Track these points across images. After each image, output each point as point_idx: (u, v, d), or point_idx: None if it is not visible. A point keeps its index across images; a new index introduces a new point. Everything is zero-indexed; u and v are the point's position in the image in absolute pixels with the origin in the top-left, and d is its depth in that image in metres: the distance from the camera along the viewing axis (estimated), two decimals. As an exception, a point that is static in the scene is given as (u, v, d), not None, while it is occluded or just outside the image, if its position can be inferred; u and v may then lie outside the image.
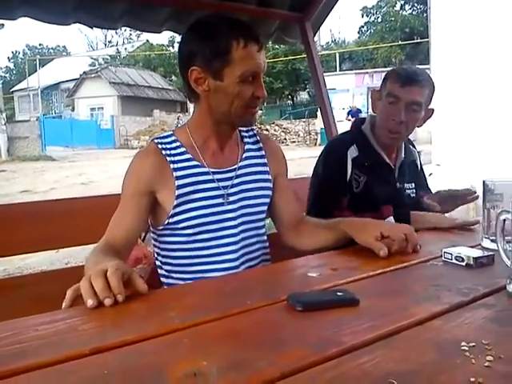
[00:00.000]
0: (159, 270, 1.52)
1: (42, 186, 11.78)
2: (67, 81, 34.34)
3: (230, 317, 0.88)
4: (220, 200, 1.42)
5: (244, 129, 1.56)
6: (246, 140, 1.56)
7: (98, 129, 27.99)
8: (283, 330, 0.84)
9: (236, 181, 1.46)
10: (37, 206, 1.94)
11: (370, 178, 1.80)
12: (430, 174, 2.13)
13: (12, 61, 57.61)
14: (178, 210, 1.39)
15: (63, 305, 0.96)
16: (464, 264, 1.17)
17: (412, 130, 1.80)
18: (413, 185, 1.94)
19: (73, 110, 33.39)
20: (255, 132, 1.60)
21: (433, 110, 1.83)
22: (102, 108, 31.24)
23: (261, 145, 1.58)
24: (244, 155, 1.52)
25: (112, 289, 0.94)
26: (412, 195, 1.92)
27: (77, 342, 0.79)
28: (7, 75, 54.69)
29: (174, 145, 1.44)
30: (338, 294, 0.96)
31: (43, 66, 39.05)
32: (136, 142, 25.42)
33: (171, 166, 1.40)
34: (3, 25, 23.31)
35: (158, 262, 1.52)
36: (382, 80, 1.84)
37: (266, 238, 1.58)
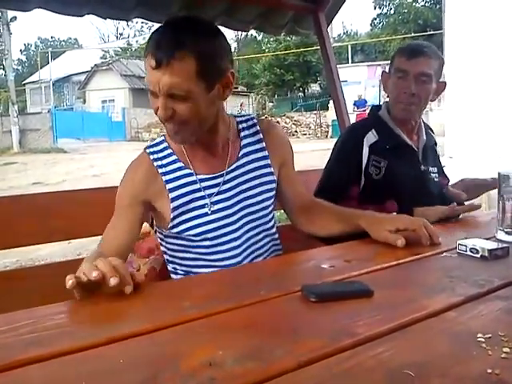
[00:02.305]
0: (168, 266, 1.52)
1: (53, 178, 11.85)
2: (79, 73, 34.44)
3: (244, 307, 0.89)
4: (205, 210, 1.38)
5: (243, 119, 1.52)
6: (243, 134, 1.49)
7: (109, 121, 28.07)
8: (298, 320, 0.84)
9: (224, 186, 1.40)
10: (49, 196, 1.95)
11: (393, 161, 1.78)
12: (444, 167, 2.11)
13: (24, 53, 58.02)
14: (176, 221, 1.37)
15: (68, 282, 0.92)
16: (479, 256, 1.16)
17: (425, 102, 1.79)
18: (435, 169, 1.92)
19: (84, 102, 33.51)
20: (255, 121, 1.53)
21: (445, 83, 1.83)
22: (113, 100, 31.30)
23: (261, 136, 1.50)
24: (241, 152, 1.46)
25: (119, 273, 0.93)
26: (436, 179, 1.90)
27: (93, 332, 0.80)
28: (19, 67, 55.09)
29: (165, 152, 1.40)
30: (352, 285, 0.96)
31: (55, 59, 39.20)
32: (147, 135, 25.46)
33: (163, 178, 1.37)
34: (16, 17, 23.44)
35: (165, 257, 1.53)
36: (390, 60, 1.84)
37: (274, 230, 1.54)
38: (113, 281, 0.90)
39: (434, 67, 1.74)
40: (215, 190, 1.40)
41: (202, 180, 1.39)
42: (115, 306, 0.91)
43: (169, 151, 1.41)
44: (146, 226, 1.58)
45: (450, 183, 1.94)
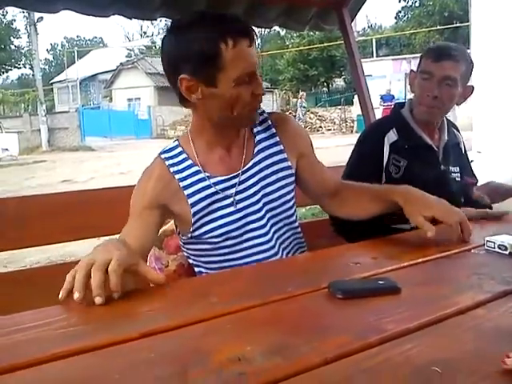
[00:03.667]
0: (194, 268, 1.52)
1: (81, 176, 12.02)
2: (104, 72, 34.85)
3: (271, 303, 0.90)
4: (231, 208, 1.38)
5: None
6: (256, 130, 1.46)
7: (135, 119, 28.38)
8: (325, 317, 0.85)
9: (242, 186, 1.39)
10: (78, 195, 1.99)
11: (412, 161, 1.77)
12: (471, 161, 2.08)
13: (51, 53, 58.95)
14: (197, 224, 1.36)
15: (60, 294, 0.91)
16: (507, 253, 1.15)
17: (449, 106, 1.77)
18: (458, 168, 1.89)
19: (110, 100, 33.90)
20: (266, 116, 1.49)
21: (472, 87, 1.79)
22: (139, 98, 31.59)
23: (273, 130, 1.47)
24: (256, 149, 1.44)
25: (110, 286, 0.90)
26: (457, 179, 1.88)
27: (125, 326, 0.82)
28: (46, 67, 55.96)
29: (180, 157, 1.38)
30: (380, 282, 0.96)
31: (81, 58, 39.74)
32: (172, 132, 25.66)
33: (180, 184, 1.35)
34: (42, 18, 23.80)
35: (190, 261, 1.52)
36: (419, 59, 1.83)
37: (297, 225, 1.52)
38: (98, 300, 0.89)
39: (461, 71, 1.71)
40: (233, 190, 1.38)
41: (216, 183, 1.37)
42: (146, 302, 0.93)
43: (184, 156, 1.39)
44: (173, 223, 1.60)
45: (477, 182, 1.92)
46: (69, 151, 20.83)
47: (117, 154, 17.76)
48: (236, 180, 1.39)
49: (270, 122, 1.48)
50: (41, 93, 23.36)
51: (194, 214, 1.35)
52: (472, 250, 1.21)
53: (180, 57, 1.25)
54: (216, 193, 1.37)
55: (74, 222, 1.81)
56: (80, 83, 34.67)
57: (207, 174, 1.37)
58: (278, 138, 1.47)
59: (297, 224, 1.53)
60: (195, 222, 1.36)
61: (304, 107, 24.23)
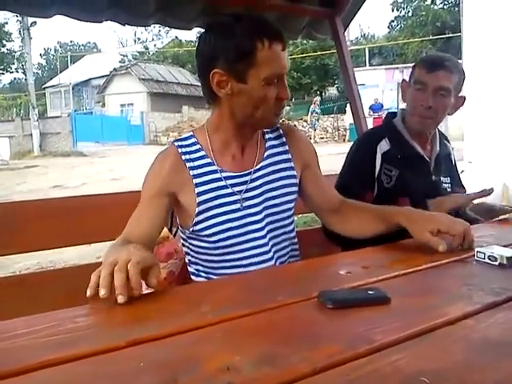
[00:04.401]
0: (189, 268, 1.53)
1: (73, 181, 11.97)
2: (98, 77, 34.77)
3: (261, 312, 0.90)
4: (237, 205, 1.41)
5: None
6: (267, 136, 1.51)
7: (127, 125, 28.30)
8: (314, 326, 0.85)
9: (252, 184, 1.43)
10: (69, 201, 1.98)
11: (403, 171, 1.78)
12: (462, 172, 2.10)
13: (44, 57, 58.74)
14: (200, 217, 1.38)
15: (87, 292, 0.94)
16: (497, 263, 1.15)
17: (442, 116, 1.79)
18: (448, 179, 1.91)
19: (103, 106, 33.82)
20: (278, 125, 1.53)
21: (464, 97, 1.81)
22: (132, 104, 31.55)
23: (284, 139, 1.53)
24: (266, 153, 1.48)
25: (132, 284, 0.94)
26: (448, 189, 1.90)
27: (113, 335, 0.81)
28: (39, 72, 55.78)
29: (193, 148, 1.42)
30: (369, 292, 0.96)
31: (74, 63, 39.66)
32: (165, 138, 25.62)
33: (191, 172, 1.39)
34: (36, 22, 23.77)
35: (187, 260, 1.54)
36: (411, 69, 1.84)
37: (294, 234, 1.55)
38: (120, 299, 0.92)
39: (454, 81, 1.73)
40: (243, 187, 1.42)
41: (227, 178, 1.41)
42: (134, 310, 0.93)
43: (197, 147, 1.43)
44: (164, 230, 1.60)
45: (466, 192, 1.94)
46: (61, 156, 20.73)
47: (109, 160, 17.70)
48: (248, 177, 1.43)
49: (281, 131, 1.54)
50: (33, 97, 23.23)
51: (199, 203, 1.37)
52: (462, 261, 1.21)
53: (216, 52, 1.30)
54: (225, 187, 1.40)
55: (65, 228, 1.80)
56: (73, 88, 34.58)
57: (219, 168, 1.41)
58: (287, 147, 1.52)
59: (294, 234, 1.55)
60: (198, 213, 1.38)
61: (317, 113, 22.58)
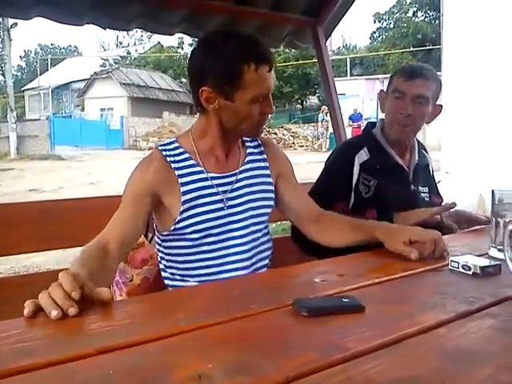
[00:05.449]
0: (163, 273, 1.53)
1: (50, 185, 11.83)
2: (78, 81, 34.48)
3: (235, 320, 0.89)
4: (220, 205, 1.44)
5: None
6: (247, 144, 1.58)
7: (107, 129, 28.06)
8: (288, 334, 0.84)
9: (237, 185, 1.48)
10: (45, 205, 1.95)
11: (382, 181, 1.78)
12: (439, 182, 2.12)
13: (24, 59, 58.09)
14: (184, 215, 1.40)
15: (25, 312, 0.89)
16: (471, 273, 1.16)
17: (420, 124, 1.81)
18: (426, 189, 1.93)
19: (83, 110, 33.51)
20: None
21: (441, 106, 1.84)
22: (112, 109, 31.31)
23: (262, 148, 1.60)
24: (246, 159, 1.54)
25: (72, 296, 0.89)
26: (426, 199, 1.91)
27: (83, 342, 0.80)
28: (19, 74, 55.12)
29: (177, 151, 1.46)
30: (344, 300, 0.96)
31: (54, 66, 39.31)
32: (144, 144, 25.50)
33: (176, 172, 1.42)
34: (16, 24, 23.51)
35: (161, 265, 1.53)
36: (389, 79, 1.86)
37: (270, 238, 1.59)
38: (71, 311, 0.87)
39: (432, 89, 1.75)
40: (228, 187, 1.46)
41: (213, 178, 1.45)
42: (106, 316, 0.91)
43: (181, 150, 1.46)
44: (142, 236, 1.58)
45: (443, 202, 1.96)
46: (38, 160, 20.44)
47: (87, 164, 17.55)
48: (233, 178, 1.48)
49: (259, 142, 1.61)
50: (11, 99, 22.95)
51: (184, 202, 1.40)
52: (436, 270, 1.22)
53: (204, 71, 1.36)
54: (210, 187, 1.44)
55: (41, 233, 1.77)
56: (52, 91, 34.27)
57: (205, 169, 1.45)
58: (265, 156, 1.59)
59: (269, 237, 1.59)
60: (182, 211, 1.40)
61: (326, 121, 20.84)
